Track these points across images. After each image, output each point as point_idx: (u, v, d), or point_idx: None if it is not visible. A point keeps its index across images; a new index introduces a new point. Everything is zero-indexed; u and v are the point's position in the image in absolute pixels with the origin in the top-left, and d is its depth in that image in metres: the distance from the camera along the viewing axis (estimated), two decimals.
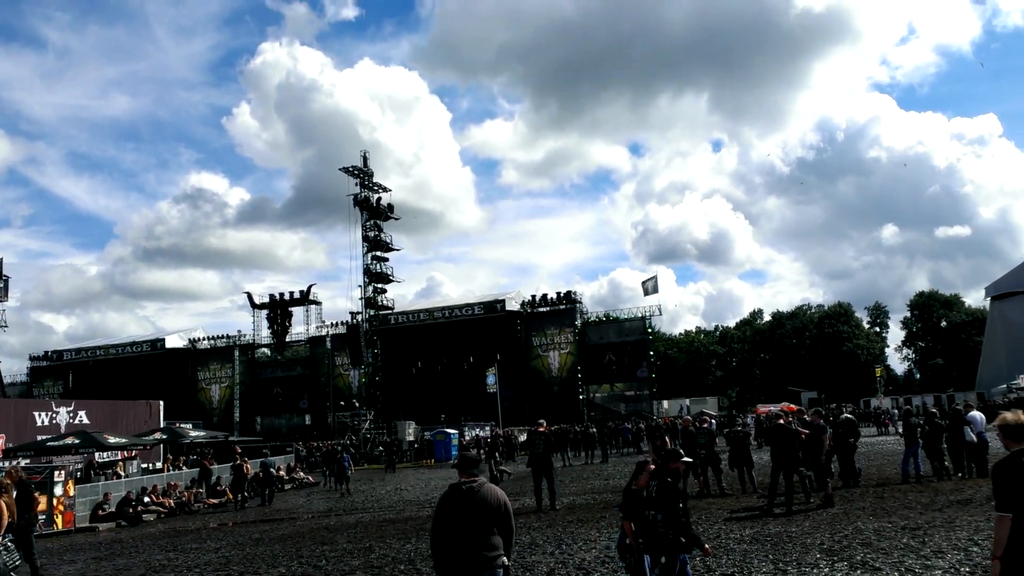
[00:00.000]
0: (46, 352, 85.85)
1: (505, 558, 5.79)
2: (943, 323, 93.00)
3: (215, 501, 26.48)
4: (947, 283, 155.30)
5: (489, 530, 5.73)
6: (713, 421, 23.94)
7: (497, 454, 29.88)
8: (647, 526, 7.23)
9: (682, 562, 7.18)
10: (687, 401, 71.01)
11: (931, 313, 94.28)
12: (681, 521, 7.16)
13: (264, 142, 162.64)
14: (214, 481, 27.80)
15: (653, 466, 7.84)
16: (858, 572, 9.04)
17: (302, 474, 35.10)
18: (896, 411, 44.62)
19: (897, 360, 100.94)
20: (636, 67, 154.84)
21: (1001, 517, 4.87)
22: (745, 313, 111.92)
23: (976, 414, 18.98)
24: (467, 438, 49.05)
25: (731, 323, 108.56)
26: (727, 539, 11.85)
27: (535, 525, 15.03)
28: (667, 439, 18.96)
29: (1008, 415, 5.27)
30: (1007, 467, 4.95)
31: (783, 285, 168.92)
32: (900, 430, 27.72)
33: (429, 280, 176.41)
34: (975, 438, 18.04)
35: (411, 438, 50.77)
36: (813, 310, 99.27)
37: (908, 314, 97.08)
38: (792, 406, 45.09)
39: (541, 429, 18.11)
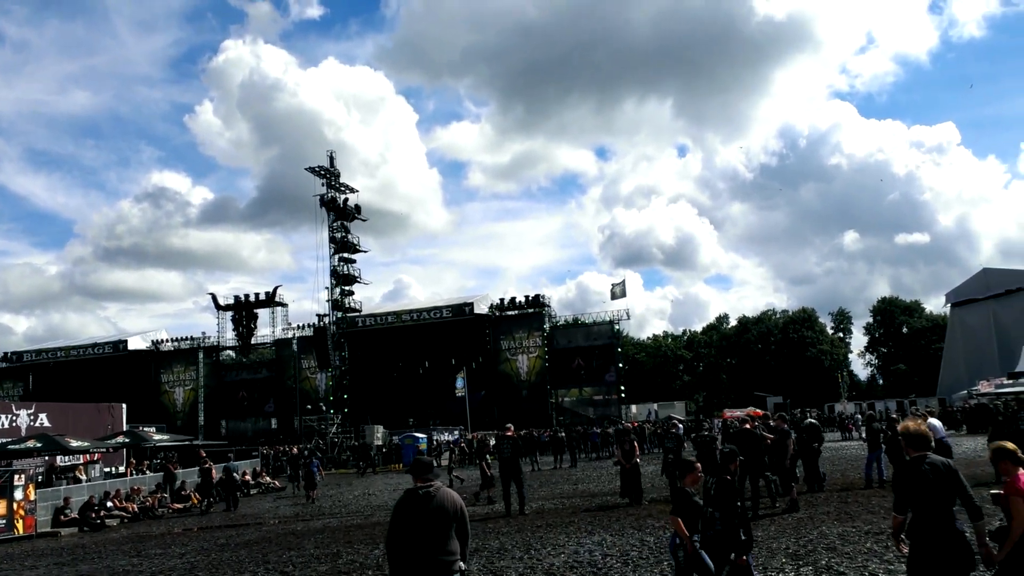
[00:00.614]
0: (5, 353, 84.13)
1: (462, 563, 5.79)
2: (904, 329, 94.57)
3: (179, 506, 26.16)
4: (907, 289, 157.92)
5: (446, 535, 5.72)
6: (681, 425, 24.16)
7: (451, 459, 29.67)
8: (705, 523, 7.31)
9: (748, 563, 7.23)
10: (655, 406, 71.51)
11: (893, 319, 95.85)
12: (739, 520, 7.21)
13: (227, 141, 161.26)
14: (179, 486, 27.46)
15: (698, 470, 7.93)
16: None
17: (268, 479, 34.78)
18: (859, 416, 45.30)
19: (860, 365, 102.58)
20: (601, 72, 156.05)
21: (894, 517, 5.72)
22: (711, 318, 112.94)
23: (935, 421, 19.33)
24: (435, 441, 48.96)
25: (698, 328, 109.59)
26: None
27: (504, 530, 15.05)
28: (635, 443, 19.08)
29: (910, 424, 5.84)
30: (907, 471, 5.56)
31: (748, 290, 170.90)
32: (863, 435, 28.15)
33: (396, 282, 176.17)
34: (935, 444, 18.35)
35: (379, 442, 50.51)
36: (778, 315, 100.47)
37: (870, 320, 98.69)
38: (758, 411, 45.58)
39: (509, 433, 18.13)
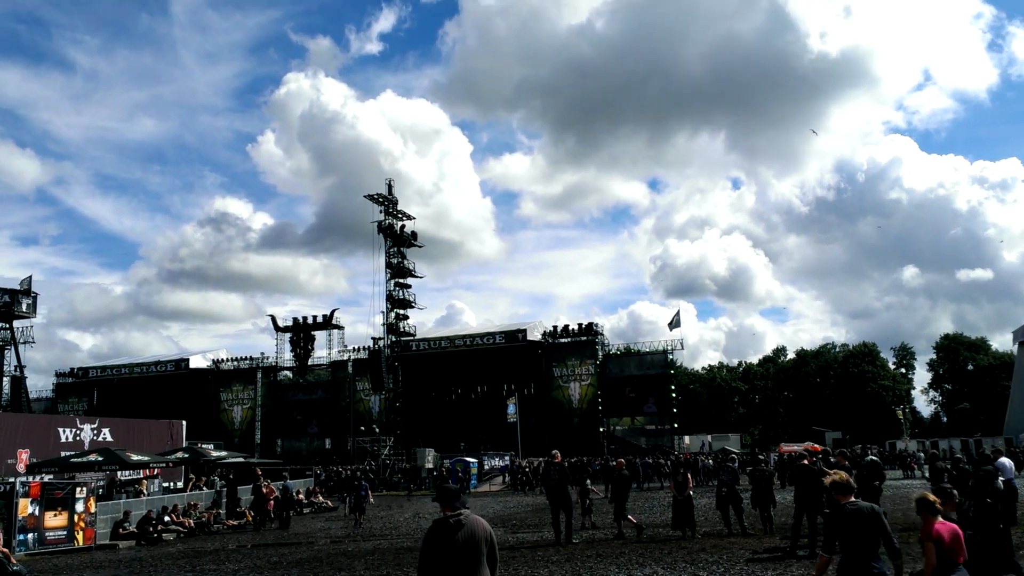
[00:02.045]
0: (72, 369, 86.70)
1: None
2: (969, 366, 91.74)
3: (234, 522, 26.53)
4: (970, 326, 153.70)
5: (478, 561, 5.72)
6: (736, 458, 23.74)
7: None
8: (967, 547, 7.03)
9: None
10: (709, 437, 70.35)
11: (957, 356, 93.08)
12: (1004, 544, 7.02)
13: (287, 170, 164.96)
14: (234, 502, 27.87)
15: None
16: None
17: (321, 498, 35.09)
18: (922, 454, 43.93)
19: (923, 402, 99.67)
20: (652, 106, 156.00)
21: (820, 557, 6.32)
22: (767, 350, 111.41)
23: (1005, 460, 18.67)
24: (486, 466, 48.95)
25: (753, 359, 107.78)
26: None
27: (553, 559, 14.93)
28: (688, 475, 18.80)
29: (838, 476, 6.67)
30: (839, 516, 6.21)
31: (805, 323, 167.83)
32: (926, 474, 27.32)
33: (449, 308, 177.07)
34: (1003, 485, 17.72)
35: (430, 465, 50.65)
36: (837, 349, 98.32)
37: (934, 356, 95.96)
38: (816, 446, 44.57)
39: (556, 460, 18.02)
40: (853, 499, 6.41)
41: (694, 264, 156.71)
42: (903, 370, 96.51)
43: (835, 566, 6.36)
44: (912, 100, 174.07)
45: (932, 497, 6.52)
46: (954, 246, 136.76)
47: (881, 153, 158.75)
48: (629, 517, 18.40)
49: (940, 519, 6.42)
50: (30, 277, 68.26)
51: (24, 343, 70.40)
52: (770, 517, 17.78)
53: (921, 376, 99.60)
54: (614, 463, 18.34)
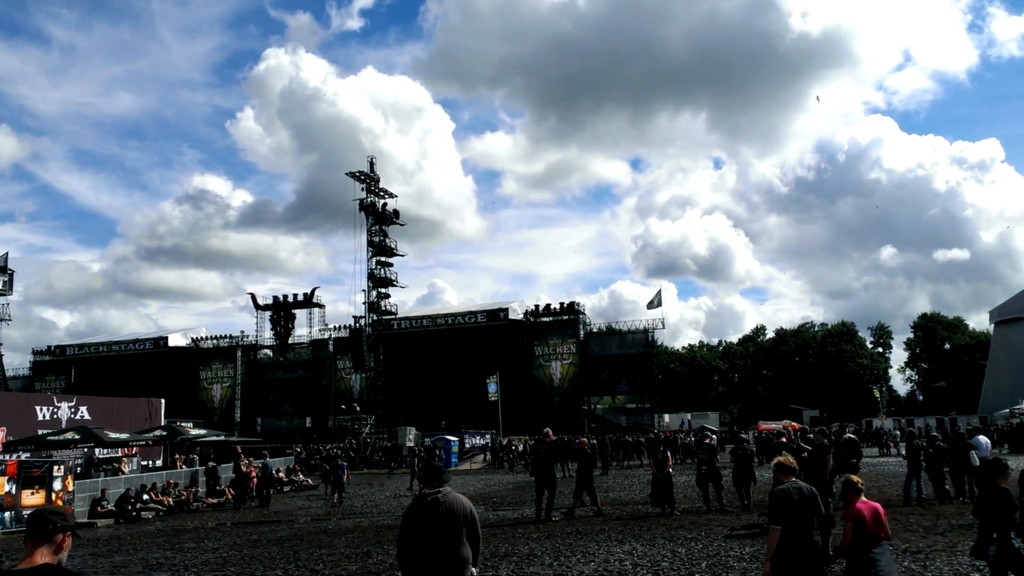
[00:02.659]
0: (49, 347, 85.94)
1: (473, 568, 5.81)
2: (946, 346, 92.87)
3: (214, 501, 26.45)
4: (948, 306, 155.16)
5: (457, 540, 5.74)
6: (714, 436, 23.95)
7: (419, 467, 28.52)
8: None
9: None
10: (689, 415, 70.92)
11: (934, 335, 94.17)
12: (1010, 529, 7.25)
13: (267, 147, 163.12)
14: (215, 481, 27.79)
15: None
16: None
17: (301, 476, 35.05)
18: (898, 432, 44.47)
19: (900, 381, 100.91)
20: (635, 84, 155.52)
21: (774, 529, 6.71)
22: (746, 329, 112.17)
23: (982, 438, 18.95)
24: (467, 444, 49.06)
25: (733, 339, 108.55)
26: (727, 556, 11.81)
27: (534, 536, 14.99)
28: (668, 453, 18.92)
29: (783, 458, 7.33)
30: (782, 494, 6.83)
31: (784, 303, 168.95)
32: (902, 452, 27.66)
33: (430, 287, 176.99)
34: (979, 461, 17.98)
35: (411, 443, 50.68)
36: (816, 328, 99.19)
37: (911, 335, 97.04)
38: (795, 424, 44.98)
39: (548, 438, 18.07)
40: (795, 479, 7.08)
41: (675, 244, 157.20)
42: (880, 349, 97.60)
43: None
44: (892, 80, 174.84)
45: (856, 479, 7.19)
46: (932, 226, 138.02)
47: (862, 133, 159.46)
48: (585, 498, 18.37)
49: (863, 498, 7.01)
50: (6, 254, 67.62)
51: (0, 320, 69.76)
52: (748, 494, 17.96)
53: (898, 355, 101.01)
54: (576, 442, 18.45)
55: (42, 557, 3.64)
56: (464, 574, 5.71)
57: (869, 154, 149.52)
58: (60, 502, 21.09)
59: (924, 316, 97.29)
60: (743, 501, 17.93)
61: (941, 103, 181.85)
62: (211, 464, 29.03)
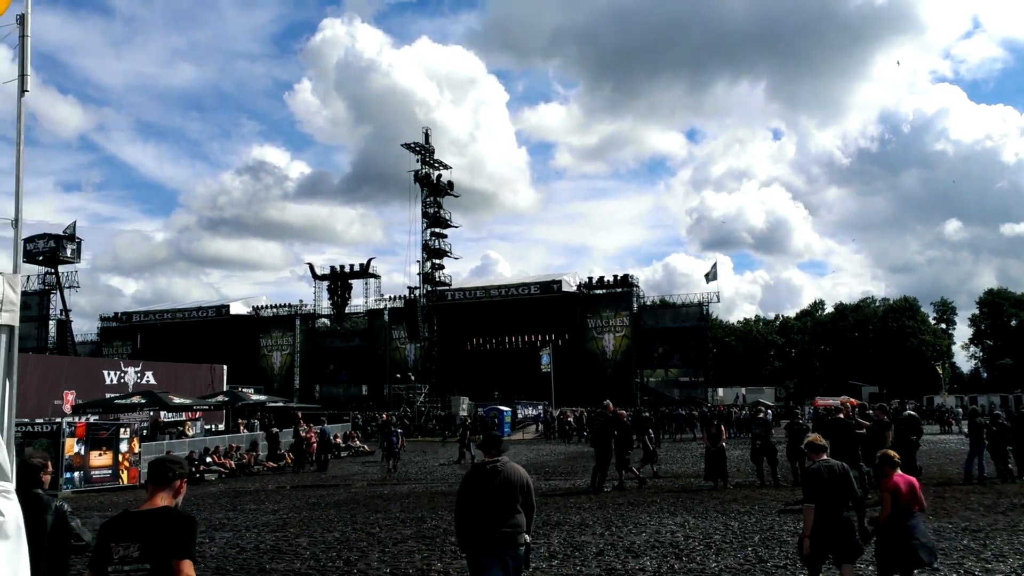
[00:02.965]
0: (116, 314, 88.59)
1: (527, 535, 5.95)
2: (1013, 322, 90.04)
3: (274, 464, 27.15)
4: (1014, 281, 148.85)
5: (512, 508, 5.89)
6: (769, 411, 23.69)
7: (468, 437, 28.35)
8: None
9: None
10: (743, 390, 70.21)
11: (1000, 311, 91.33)
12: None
13: (324, 119, 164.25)
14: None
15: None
16: (917, 573, 8.87)
17: (358, 442, 35.76)
18: (960, 410, 43.49)
19: (963, 358, 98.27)
20: (691, 53, 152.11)
21: (807, 507, 7.05)
22: (804, 304, 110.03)
23: None
24: (519, 415, 49.40)
25: (790, 313, 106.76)
26: (780, 531, 11.75)
27: (586, 506, 15.10)
28: (721, 427, 18.81)
29: (813, 437, 7.80)
30: (813, 472, 7.16)
31: (844, 277, 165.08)
32: (964, 429, 27.04)
33: (484, 258, 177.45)
34: None
35: (464, 413, 51.25)
36: (877, 303, 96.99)
37: (976, 311, 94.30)
38: (853, 400, 44.26)
39: (608, 411, 18.14)
40: (825, 457, 7.37)
41: (731, 216, 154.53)
42: (943, 325, 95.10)
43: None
44: (960, 48, 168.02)
45: (893, 453, 7.40)
46: (999, 199, 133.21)
47: (928, 103, 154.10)
48: (633, 469, 18.41)
49: (899, 472, 7.22)
50: (74, 223, 69.74)
51: (69, 288, 72.16)
52: (797, 470, 17.80)
53: (961, 331, 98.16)
54: (624, 413, 18.52)
55: (162, 500, 4.10)
56: (518, 540, 5.86)
57: (935, 124, 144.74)
58: (126, 464, 21.90)
59: (990, 292, 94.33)
60: (797, 476, 17.76)
61: (1011, 72, 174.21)
62: (273, 430, 29.73)
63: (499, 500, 5.87)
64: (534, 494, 6.11)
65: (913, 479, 7.36)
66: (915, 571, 7.18)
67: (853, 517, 7.09)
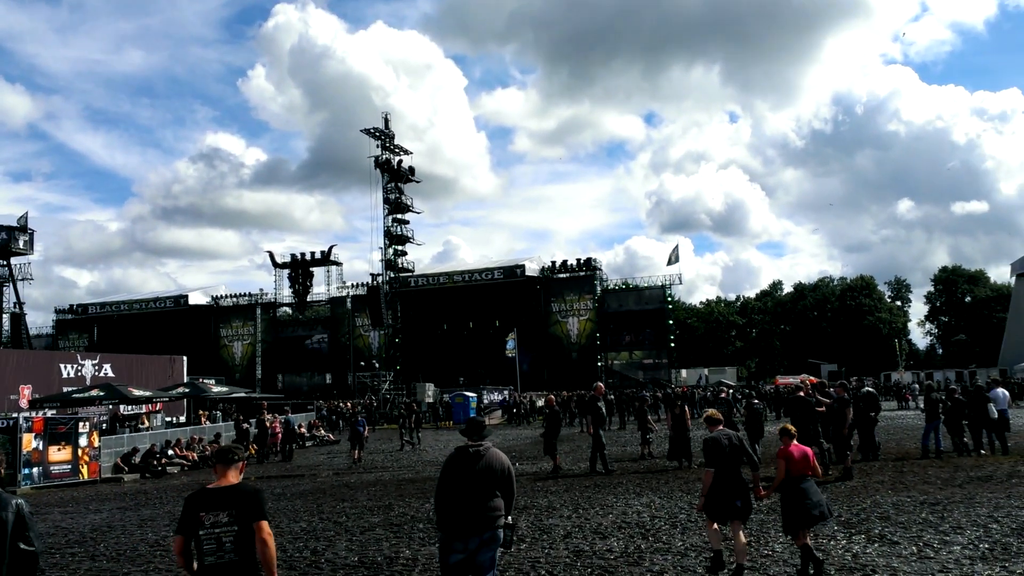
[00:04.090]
0: (71, 305, 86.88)
1: (508, 518, 6.06)
2: (967, 299, 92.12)
3: None
4: (967, 259, 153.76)
5: (491, 492, 5.98)
6: (730, 391, 23.95)
7: (412, 422, 29.00)
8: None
9: None
10: (706, 371, 71.01)
11: (955, 288, 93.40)
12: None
13: (279, 105, 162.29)
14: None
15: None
16: (875, 545, 9.07)
17: (323, 432, 35.55)
18: (917, 386, 44.41)
19: (919, 335, 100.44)
20: (646, 37, 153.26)
21: (708, 471, 8.06)
22: (763, 284, 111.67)
23: (999, 391, 18.91)
24: (485, 401, 49.44)
25: (750, 294, 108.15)
26: None
27: (552, 489, 15.18)
28: (686, 408, 18.99)
29: (711, 412, 8.86)
30: (713, 441, 8.13)
31: (801, 257, 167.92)
32: (921, 405, 27.63)
33: (445, 244, 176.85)
34: (997, 414, 17.98)
35: (430, 400, 51.17)
36: (835, 282, 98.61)
37: (931, 288, 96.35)
38: (813, 378, 44.95)
39: (599, 392, 18.36)
40: (722, 428, 8.35)
41: (689, 199, 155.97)
42: (899, 303, 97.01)
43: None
44: (909, 31, 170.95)
45: (790, 427, 8.47)
46: (951, 179, 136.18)
47: (881, 85, 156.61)
48: (556, 456, 18.38)
49: (794, 442, 8.18)
50: (26, 214, 67.84)
51: (22, 280, 70.39)
52: (755, 449, 18.10)
53: (917, 309, 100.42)
54: (552, 399, 18.92)
55: (233, 478, 5.06)
56: (497, 523, 5.95)
57: (887, 106, 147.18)
58: (86, 458, 21.54)
59: (945, 269, 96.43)
60: (756, 455, 18.04)
61: (959, 54, 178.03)
62: (244, 425, 29.02)
63: (480, 484, 5.95)
64: (514, 480, 6.18)
65: (807, 448, 8.29)
66: (811, 526, 8.01)
67: (747, 480, 8.10)
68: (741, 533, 8.02)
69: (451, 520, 5.94)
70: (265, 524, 4.84)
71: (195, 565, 4.81)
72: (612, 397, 39.15)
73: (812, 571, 7.71)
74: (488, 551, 5.90)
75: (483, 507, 5.90)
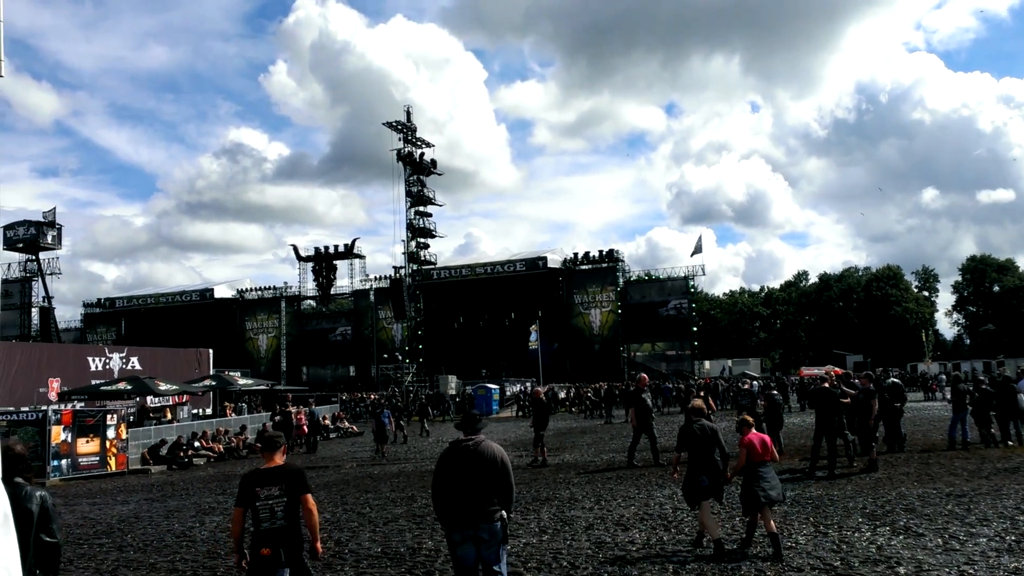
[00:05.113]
0: (99, 299, 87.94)
1: (504, 512, 6.04)
2: (995, 288, 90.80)
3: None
4: (994, 248, 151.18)
5: (487, 485, 5.98)
6: (756, 383, 23.82)
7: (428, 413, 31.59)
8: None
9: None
10: (729, 362, 70.67)
11: (983, 278, 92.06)
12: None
13: (301, 100, 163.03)
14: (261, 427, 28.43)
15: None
16: (900, 537, 8.98)
17: (346, 423, 35.77)
18: (944, 376, 43.90)
19: (946, 325, 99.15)
20: (665, 27, 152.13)
21: (676, 455, 9.54)
22: (787, 275, 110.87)
23: None
24: (507, 392, 49.50)
25: (774, 284, 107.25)
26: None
27: (575, 480, 15.18)
28: (710, 399, 18.93)
29: (696, 403, 9.61)
30: (687, 430, 9.02)
31: (826, 247, 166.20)
32: (948, 396, 27.30)
33: (467, 236, 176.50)
34: None
35: (453, 392, 51.34)
36: (860, 273, 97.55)
37: (959, 278, 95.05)
38: (838, 369, 44.55)
39: (643, 384, 18.14)
40: (702, 420, 9.02)
41: (710, 191, 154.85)
42: (926, 293, 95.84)
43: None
44: (931, 19, 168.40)
45: (748, 417, 9.27)
46: (977, 167, 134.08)
47: (905, 73, 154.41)
48: (544, 448, 18.32)
49: (753, 431, 8.95)
50: (54, 209, 68.84)
51: (51, 274, 71.48)
52: (779, 439, 18.03)
53: (944, 299, 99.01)
54: (539, 391, 18.75)
55: (280, 460, 6.11)
56: (494, 518, 5.95)
57: (912, 94, 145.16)
58: (114, 450, 21.82)
59: (973, 258, 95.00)
60: (781, 446, 17.96)
61: (983, 41, 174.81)
62: (277, 417, 28.90)
63: (475, 478, 5.96)
64: (511, 472, 6.17)
65: (766, 436, 9.24)
66: (767, 508, 8.58)
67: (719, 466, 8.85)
68: (709, 510, 8.82)
69: (450, 514, 5.99)
70: (310, 496, 5.93)
71: (252, 529, 5.93)
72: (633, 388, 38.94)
73: (771, 551, 8.38)
74: (490, 546, 5.93)
75: (480, 501, 5.92)
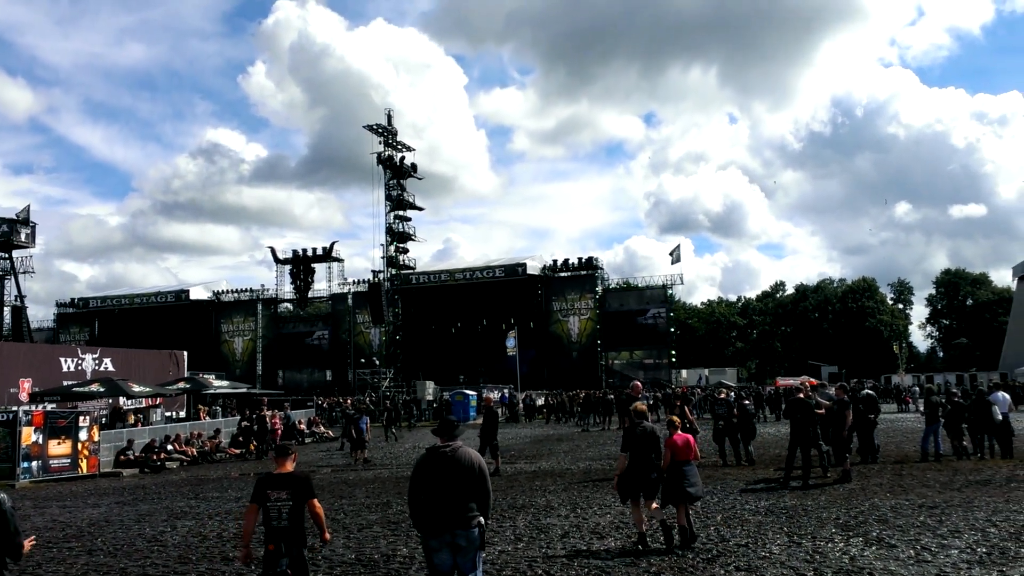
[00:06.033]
0: (72, 299, 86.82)
1: (482, 518, 6.04)
2: (969, 302, 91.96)
3: (237, 451, 26.89)
4: (966, 261, 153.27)
5: (464, 491, 5.98)
6: (733, 393, 23.92)
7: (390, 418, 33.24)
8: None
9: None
10: (706, 371, 70.94)
11: (957, 291, 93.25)
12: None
13: (279, 102, 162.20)
14: (236, 432, 28.19)
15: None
16: (873, 548, 9.05)
17: (322, 428, 35.52)
18: (917, 388, 44.35)
19: (920, 337, 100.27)
20: (644, 37, 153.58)
21: (622, 455, 9.43)
22: (763, 285, 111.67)
23: (1000, 394, 18.86)
24: (489, 397, 49.35)
25: (749, 294, 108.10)
26: (742, 510, 11.90)
27: (551, 488, 15.17)
28: (686, 408, 18.99)
29: (638, 406, 9.81)
30: (630, 431, 9.44)
31: (801, 259, 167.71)
32: (921, 408, 27.59)
33: (446, 241, 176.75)
34: (1000, 417, 17.95)
35: (430, 397, 51.17)
36: (836, 284, 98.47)
37: (932, 291, 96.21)
38: (812, 380, 44.94)
39: (636, 391, 17.53)
40: (644, 423, 9.42)
41: (688, 200, 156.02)
42: (900, 305, 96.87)
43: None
44: (905, 36, 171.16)
45: (675, 419, 10.20)
46: (950, 182, 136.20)
47: (880, 88, 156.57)
48: (497, 455, 18.06)
49: (679, 432, 9.69)
50: (28, 207, 67.79)
51: (24, 273, 70.39)
52: (749, 450, 18.19)
53: (918, 312, 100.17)
54: (490, 398, 18.78)
55: (290, 466, 6.62)
56: (471, 524, 5.94)
57: (887, 109, 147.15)
58: (86, 452, 21.53)
59: (948, 272, 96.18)
60: (746, 456, 18.12)
61: (956, 58, 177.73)
62: (242, 422, 28.78)
63: (451, 484, 5.94)
64: (488, 478, 6.17)
65: (689, 436, 9.83)
66: (686, 503, 9.38)
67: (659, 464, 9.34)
68: (646, 507, 9.36)
69: (427, 520, 5.97)
70: (315, 501, 6.54)
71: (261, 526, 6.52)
72: (611, 397, 39.05)
73: (678, 542, 9.30)
74: (467, 553, 5.93)
75: (458, 507, 5.91)
